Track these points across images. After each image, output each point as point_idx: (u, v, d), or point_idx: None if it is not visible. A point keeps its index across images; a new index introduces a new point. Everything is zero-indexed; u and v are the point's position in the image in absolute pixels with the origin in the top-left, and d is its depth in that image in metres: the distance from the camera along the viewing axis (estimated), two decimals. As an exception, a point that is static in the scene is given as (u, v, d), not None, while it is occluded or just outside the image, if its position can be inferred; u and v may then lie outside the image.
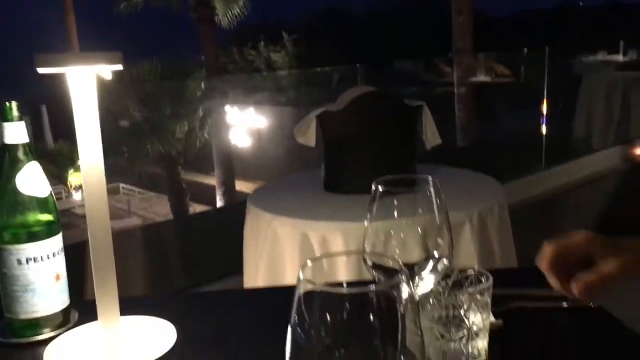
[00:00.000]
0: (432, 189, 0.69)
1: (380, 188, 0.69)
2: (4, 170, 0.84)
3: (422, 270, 0.69)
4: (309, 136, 1.79)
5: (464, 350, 0.75)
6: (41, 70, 0.76)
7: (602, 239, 0.69)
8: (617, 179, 3.72)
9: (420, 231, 0.72)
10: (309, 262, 0.48)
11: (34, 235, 0.84)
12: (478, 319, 0.75)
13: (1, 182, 0.84)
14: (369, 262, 0.66)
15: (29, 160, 0.84)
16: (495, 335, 0.82)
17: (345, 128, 1.72)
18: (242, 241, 1.83)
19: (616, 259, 0.65)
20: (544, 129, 3.81)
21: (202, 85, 8.26)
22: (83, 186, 0.81)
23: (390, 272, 0.72)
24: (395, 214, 0.70)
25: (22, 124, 0.84)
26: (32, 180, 0.84)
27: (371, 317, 0.44)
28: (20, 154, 0.84)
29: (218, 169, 8.96)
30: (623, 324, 0.83)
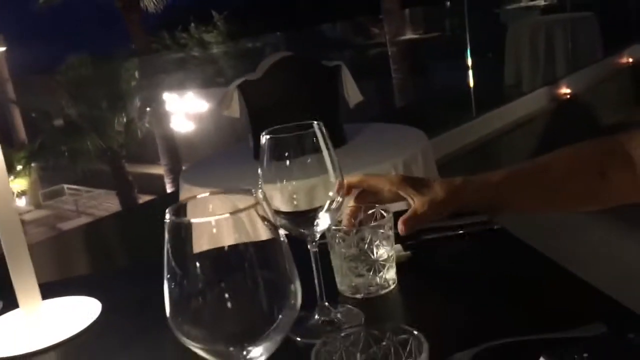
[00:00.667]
0: (318, 133, 0.72)
1: (269, 137, 0.72)
2: None
3: (319, 212, 0.72)
4: (232, 108, 1.80)
5: (373, 282, 0.80)
6: None
7: (412, 180, 0.81)
8: (545, 119, 3.86)
9: (311, 179, 0.74)
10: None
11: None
12: (383, 252, 0.79)
13: None
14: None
15: None
16: (405, 266, 0.87)
17: (267, 95, 1.74)
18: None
19: (425, 198, 0.79)
20: (471, 80, 3.91)
21: (136, 74, 8.06)
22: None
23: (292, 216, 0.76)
24: (287, 162, 0.73)
25: None
26: None
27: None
28: None
29: (164, 157, 8.82)
30: (522, 244, 0.89)
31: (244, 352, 0.47)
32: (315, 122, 0.72)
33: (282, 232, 0.49)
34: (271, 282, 0.47)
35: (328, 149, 0.72)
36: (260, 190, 0.50)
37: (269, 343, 0.48)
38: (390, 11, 5.47)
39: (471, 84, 3.83)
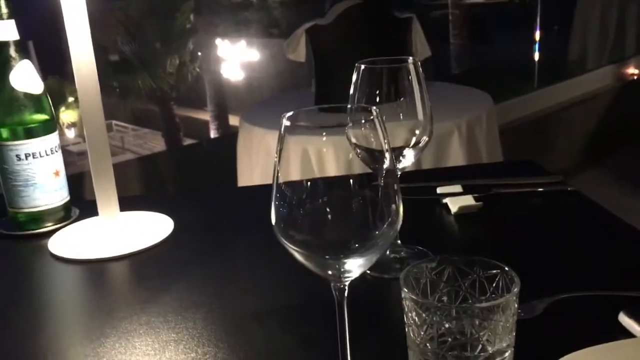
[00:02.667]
0: (412, 72, 0.71)
1: (362, 69, 0.71)
2: (-3, 68, 0.85)
3: (404, 150, 0.73)
4: (299, 52, 1.80)
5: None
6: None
7: None
8: (609, 98, 3.74)
9: (401, 116, 0.74)
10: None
11: (31, 131, 0.87)
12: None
13: (-5, 79, 0.85)
14: (352, 140, 0.69)
15: (21, 58, 0.86)
16: (476, 216, 0.87)
17: (335, 41, 1.72)
18: (234, 166, 1.87)
19: None
20: (537, 52, 3.78)
21: (191, 17, 8.07)
22: (76, 82, 0.82)
23: (372, 153, 0.76)
24: (377, 99, 0.73)
25: (12, 21, 0.85)
26: (26, 77, 0.86)
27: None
28: (12, 51, 0.85)
29: (211, 103, 8.89)
30: (595, 205, 0.88)
31: (339, 264, 0.48)
32: (411, 58, 0.71)
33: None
34: (373, 201, 0.48)
35: (420, 86, 0.71)
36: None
37: (364, 259, 0.49)
38: (455, -27, 5.30)
39: (536, 57, 3.71)
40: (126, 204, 0.91)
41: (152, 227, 0.88)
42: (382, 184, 0.49)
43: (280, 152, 0.49)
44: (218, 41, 8.77)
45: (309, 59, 1.80)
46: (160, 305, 0.69)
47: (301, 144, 0.51)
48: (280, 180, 0.48)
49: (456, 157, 1.58)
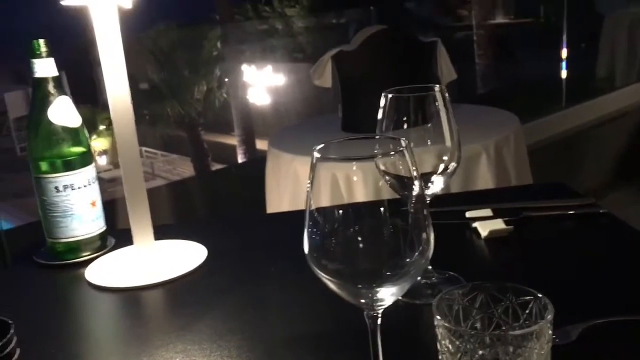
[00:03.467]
0: (439, 99, 0.72)
1: (390, 98, 0.73)
2: (36, 104, 0.89)
3: (432, 176, 0.73)
4: (325, 78, 1.82)
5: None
6: (65, 2, 0.80)
7: None
8: (638, 116, 3.68)
9: (429, 142, 0.75)
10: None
11: (69, 164, 0.90)
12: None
13: (35, 114, 0.89)
14: (382, 167, 0.70)
15: (60, 94, 0.89)
16: (506, 240, 0.86)
17: (361, 67, 1.74)
18: (263, 192, 1.89)
19: None
20: (564, 70, 3.75)
21: (218, 44, 8.22)
22: (111, 112, 0.85)
23: (401, 179, 0.77)
24: (405, 125, 0.74)
25: (51, 59, 0.89)
26: (64, 111, 0.89)
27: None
28: (51, 87, 0.89)
29: (238, 128, 8.99)
30: (628, 227, 0.87)
31: (372, 292, 0.49)
32: (438, 86, 0.72)
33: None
34: (404, 229, 0.49)
35: (447, 112, 0.72)
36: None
37: (396, 287, 0.49)
38: (479, -7, 5.32)
39: (564, 74, 3.68)
40: (159, 232, 0.93)
41: (185, 255, 0.90)
42: (412, 211, 0.50)
43: (311, 181, 0.50)
44: (244, 67, 8.90)
45: (335, 85, 1.82)
46: (195, 333, 0.70)
47: (330, 171, 0.52)
48: (312, 208, 0.49)
49: (485, 179, 1.58)
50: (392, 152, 0.50)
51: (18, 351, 0.66)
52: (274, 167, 1.78)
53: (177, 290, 0.82)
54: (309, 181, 0.50)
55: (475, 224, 0.90)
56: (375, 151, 0.56)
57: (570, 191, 1.02)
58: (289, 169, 1.68)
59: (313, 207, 0.49)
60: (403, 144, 0.49)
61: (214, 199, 4.35)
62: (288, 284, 0.81)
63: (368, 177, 0.52)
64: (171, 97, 8.55)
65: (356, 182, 0.51)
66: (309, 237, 0.49)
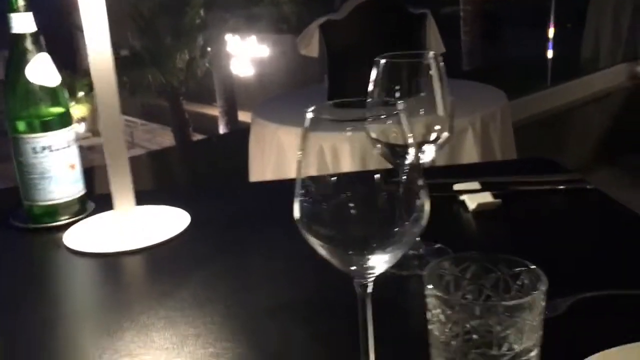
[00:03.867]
0: (433, 67, 0.70)
1: (383, 64, 0.70)
2: (14, 61, 0.85)
3: (423, 146, 0.72)
4: (312, 47, 1.79)
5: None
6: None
7: None
8: (622, 97, 3.70)
9: (421, 112, 0.73)
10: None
11: (47, 125, 0.86)
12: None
13: (12, 72, 0.85)
14: (373, 135, 0.69)
15: (38, 51, 0.86)
16: (494, 213, 0.86)
17: (348, 37, 1.71)
18: (246, 163, 1.86)
19: None
20: (550, 50, 3.75)
21: (202, 12, 8.06)
22: (92, 75, 0.82)
23: (393, 148, 0.75)
24: (398, 94, 0.72)
25: (30, 14, 0.85)
26: (42, 70, 0.86)
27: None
28: (29, 44, 0.85)
29: (220, 99, 8.89)
30: (616, 203, 0.86)
31: (363, 260, 0.48)
32: (432, 52, 0.70)
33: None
34: (398, 197, 0.47)
35: (441, 81, 0.70)
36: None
37: (388, 255, 0.48)
38: (467, -31, 5.26)
39: (549, 54, 3.68)
40: (140, 198, 0.91)
41: (167, 221, 0.88)
42: (403, 180, 0.48)
43: (303, 147, 0.48)
44: (228, 37, 8.76)
45: (322, 54, 1.79)
46: (177, 300, 0.69)
47: (320, 140, 0.50)
48: (304, 175, 0.48)
49: (470, 154, 1.57)
50: (387, 116, 0.48)
51: (-7, 315, 0.65)
52: (258, 136, 1.76)
53: (158, 256, 0.80)
54: (299, 148, 0.48)
55: (463, 197, 0.89)
56: (369, 117, 0.54)
57: (558, 167, 1.01)
58: (273, 139, 1.66)
59: (304, 174, 0.47)
60: (400, 107, 0.47)
61: (194, 169, 4.31)
62: (272, 253, 0.80)
63: (355, 145, 0.50)
64: (152, 65, 8.40)
65: (342, 151, 0.49)
66: (300, 204, 0.48)
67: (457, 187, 0.92)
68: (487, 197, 0.87)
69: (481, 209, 0.86)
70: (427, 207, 0.48)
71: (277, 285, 0.72)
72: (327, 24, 1.74)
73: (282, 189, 1.10)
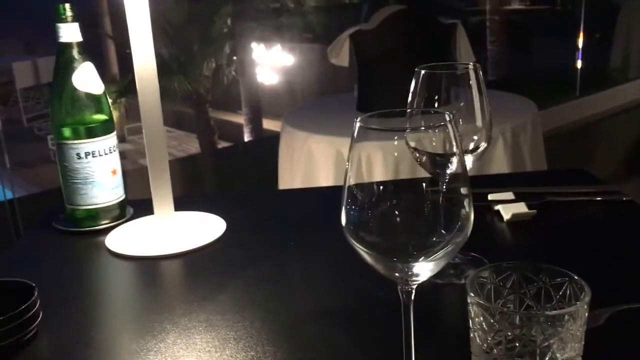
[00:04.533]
0: (473, 77, 0.71)
1: (423, 74, 0.71)
2: (61, 69, 0.88)
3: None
4: (342, 56, 1.80)
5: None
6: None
7: None
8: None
9: (460, 121, 0.74)
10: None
11: (91, 131, 0.89)
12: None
13: (59, 80, 0.88)
14: (412, 144, 0.70)
15: (84, 60, 0.89)
16: (529, 224, 0.86)
17: (379, 47, 1.72)
18: (272, 171, 1.88)
19: None
20: (579, 60, 3.72)
21: (229, 21, 8.15)
22: (137, 80, 0.84)
23: (432, 157, 0.76)
24: (436, 104, 0.73)
25: (76, 24, 0.88)
26: (88, 78, 0.89)
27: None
28: (76, 52, 0.88)
29: (245, 106, 8.96)
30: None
31: (408, 267, 0.49)
32: (472, 63, 0.71)
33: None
34: (444, 205, 0.48)
35: (481, 91, 0.71)
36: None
37: (433, 263, 0.49)
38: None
39: (579, 64, 3.65)
40: (177, 203, 0.93)
41: (205, 227, 0.90)
42: (447, 189, 0.49)
43: (351, 155, 0.49)
44: (254, 45, 8.85)
45: (352, 64, 1.80)
46: (217, 304, 0.70)
47: (366, 149, 0.51)
48: (351, 183, 0.49)
49: (500, 164, 1.57)
50: (432, 125, 0.49)
51: (41, 315, 0.67)
52: (288, 144, 1.77)
53: (197, 261, 0.82)
54: (348, 156, 0.49)
55: (498, 207, 0.89)
56: (417, 126, 0.55)
57: (592, 178, 1.01)
58: (303, 147, 1.67)
59: (352, 182, 0.48)
60: (447, 117, 0.48)
61: (220, 176, 4.36)
62: (308, 258, 0.81)
63: (390, 154, 0.51)
64: (179, 72, 8.51)
65: (375, 160, 0.50)
66: (347, 211, 0.49)
67: (491, 197, 0.93)
68: (522, 208, 0.88)
69: (516, 219, 0.87)
70: (471, 217, 0.48)
71: (315, 291, 0.73)
72: (357, 33, 1.76)
73: (314, 196, 1.12)
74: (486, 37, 5.49)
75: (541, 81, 4.11)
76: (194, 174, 4.20)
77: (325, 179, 1.62)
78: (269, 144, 2.03)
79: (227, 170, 4.50)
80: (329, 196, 1.06)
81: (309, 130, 1.68)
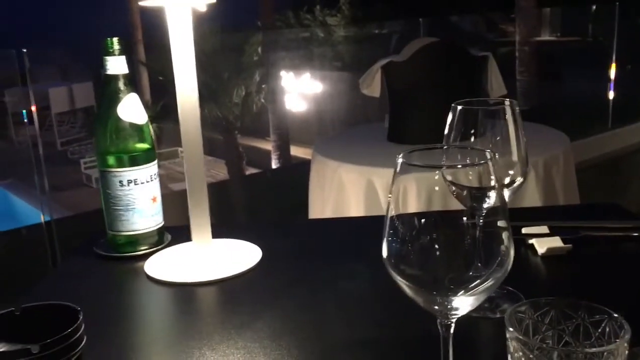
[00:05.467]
0: (509, 112, 0.72)
1: (459, 110, 0.73)
2: (106, 100, 0.92)
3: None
4: (373, 87, 1.83)
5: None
6: (142, 3, 0.83)
7: None
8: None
9: (497, 157, 0.74)
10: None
11: (134, 160, 0.92)
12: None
13: (104, 110, 0.92)
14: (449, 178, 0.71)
15: (129, 91, 0.92)
16: (564, 258, 0.85)
17: (410, 78, 1.75)
18: (300, 198, 1.91)
19: None
20: (611, 92, 3.69)
21: (259, 50, 8.30)
22: (179, 112, 0.88)
23: (468, 190, 0.77)
24: (472, 138, 0.74)
25: (123, 57, 0.92)
26: (132, 108, 0.92)
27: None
28: (121, 84, 0.92)
29: (273, 134, 9.06)
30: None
31: (447, 300, 0.50)
32: (508, 100, 0.73)
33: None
34: (483, 240, 0.49)
35: (516, 126, 0.72)
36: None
37: (472, 298, 0.50)
38: (524, 9, 5.27)
39: (610, 95, 3.63)
40: (213, 230, 0.95)
41: (241, 255, 0.91)
42: (487, 223, 0.50)
43: (393, 189, 0.50)
44: (283, 73, 8.95)
45: (383, 95, 1.83)
46: (254, 331, 0.71)
47: (407, 182, 0.52)
48: (392, 214, 0.50)
49: (532, 197, 1.56)
50: (469, 161, 0.51)
51: (85, 338, 0.69)
52: (319, 173, 1.79)
53: (234, 288, 0.84)
54: (390, 189, 0.51)
55: (532, 241, 0.89)
56: (455, 162, 0.56)
57: (627, 213, 1.00)
58: (334, 177, 1.69)
59: (393, 214, 0.50)
60: (488, 155, 0.49)
61: (248, 203, 4.39)
62: (342, 288, 0.82)
63: (429, 189, 0.52)
64: (210, 99, 8.66)
65: (412, 191, 0.52)
66: (389, 243, 0.50)
67: (525, 230, 0.93)
68: (557, 242, 0.87)
69: (551, 253, 0.86)
70: (511, 252, 0.49)
71: (351, 321, 0.74)
72: (389, 65, 1.78)
73: (346, 226, 1.14)
74: (515, 68, 5.50)
75: (572, 112, 4.09)
76: (222, 200, 4.24)
77: (355, 208, 1.64)
78: (296, 171, 2.06)
79: (255, 197, 4.54)
80: (360, 226, 1.08)
81: (340, 160, 1.70)
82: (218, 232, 0.97)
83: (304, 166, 1.91)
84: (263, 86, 9.05)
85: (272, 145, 9.83)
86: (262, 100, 8.84)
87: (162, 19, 0.87)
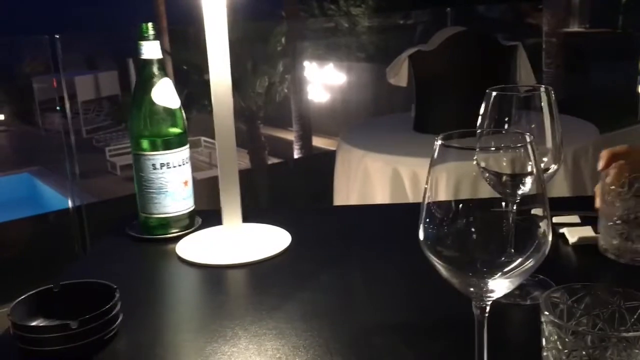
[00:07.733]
0: (544, 99, 0.72)
1: (494, 96, 0.73)
2: (141, 84, 0.93)
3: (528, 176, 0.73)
4: (400, 76, 1.82)
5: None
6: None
7: None
8: None
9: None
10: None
11: (167, 143, 0.94)
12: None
13: (139, 94, 0.93)
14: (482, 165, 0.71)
15: (162, 76, 0.94)
16: (595, 248, 0.85)
17: (438, 68, 1.74)
18: (322, 188, 1.91)
19: None
20: (640, 84, 3.64)
21: (283, 40, 8.30)
22: (212, 97, 0.89)
23: (500, 177, 0.77)
24: (506, 125, 0.73)
25: (157, 42, 0.93)
26: (166, 93, 0.93)
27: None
28: (155, 69, 0.93)
29: (296, 124, 9.07)
30: None
31: (483, 283, 0.50)
32: (544, 86, 0.72)
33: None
34: (522, 224, 0.49)
35: (552, 113, 0.72)
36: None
37: (508, 280, 0.50)
38: (551, 0, 5.19)
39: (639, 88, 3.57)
40: (245, 215, 0.96)
41: (271, 239, 0.93)
42: (525, 209, 0.50)
43: (430, 174, 0.51)
44: (306, 64, 8.93)
45: (410, 84, 1.82)
46: (285, 312, 0.72)
47: (444, 168, 0.52)
48: (430, 200, 0.50)
49: (560, 188, 1.55)
50: (512, 146, 0.51)
51: (121, 316, 0.70)
52: (344, 162, 1.80)
53: (265, 271, 0.85)
54: (427, 176, 0.51)
55: (563, 230, 0.89)
56: (488, 145, 0.56)
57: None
58: (360, 165, 1.70)
59: (430, 200, 0.50)
60: (527, 139, 0.49)
61: (271, 191, 4.42)
62: (370, 273, 0.83)
63: (467, 174, 0.52)
64: (233, 89, 8.63)
65: (443, 179, 0.51)
66: (425, 227, 0.50)
67: (556, 219, 0.92)
68: (588, 232, 0.87)
69: (582, 242, 0.86)
70: (549, 236, 0.49)
71: (381, 305, 0.75)
72: (416, 54, 1.77)
73: (373, 213, 1.14)
74: (542, 59, 5.42)
75: (600, 104, 4.03)
76: (244, 189, 4.27)
77: (381, 196, 1.64)
78: (318, 162, 2.06)
79: (277, 186, 4.57)
80: (387, 212, 1.08)
81: (366, 149, 1.70)
82: (247, 216, 0.98)
83: (326, 156, 1.91)
84: (286, 76, 9.06)
85: (295, 136, 9.85)
86: (285, 91, 8.86)
87: (188, 9, 0.88)
